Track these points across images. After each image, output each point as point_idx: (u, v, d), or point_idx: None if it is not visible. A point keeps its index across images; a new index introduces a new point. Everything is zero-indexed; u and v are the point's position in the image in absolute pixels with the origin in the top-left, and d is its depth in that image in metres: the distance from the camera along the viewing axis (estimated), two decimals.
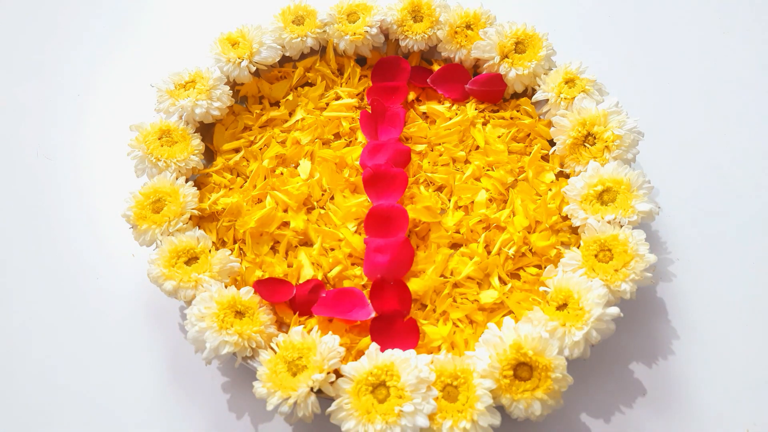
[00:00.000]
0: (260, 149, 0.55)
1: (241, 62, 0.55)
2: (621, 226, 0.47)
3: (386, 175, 0.52)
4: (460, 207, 0.52)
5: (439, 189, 0.53)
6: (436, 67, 0.58)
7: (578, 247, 0.47)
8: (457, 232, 0.51)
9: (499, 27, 0.56)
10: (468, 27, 0.57)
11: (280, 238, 0.51)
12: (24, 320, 0.53)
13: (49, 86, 0.66)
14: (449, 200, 0.53)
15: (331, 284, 0.49)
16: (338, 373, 0.42)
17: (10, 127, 0.64)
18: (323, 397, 0.41)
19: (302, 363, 0.42)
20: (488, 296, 0.48)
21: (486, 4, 0.58)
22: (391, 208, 0.50)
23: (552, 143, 0.55)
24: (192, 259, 0.47)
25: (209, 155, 0.55)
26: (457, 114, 0.56)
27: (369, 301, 0.47)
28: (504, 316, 0.47)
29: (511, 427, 0.44)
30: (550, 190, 0.52)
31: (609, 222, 0.47)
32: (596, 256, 0.46)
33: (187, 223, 0.49)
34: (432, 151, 0.55)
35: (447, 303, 0.48)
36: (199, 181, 0.54)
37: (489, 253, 0.50)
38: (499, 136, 0.55)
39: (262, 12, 0.59)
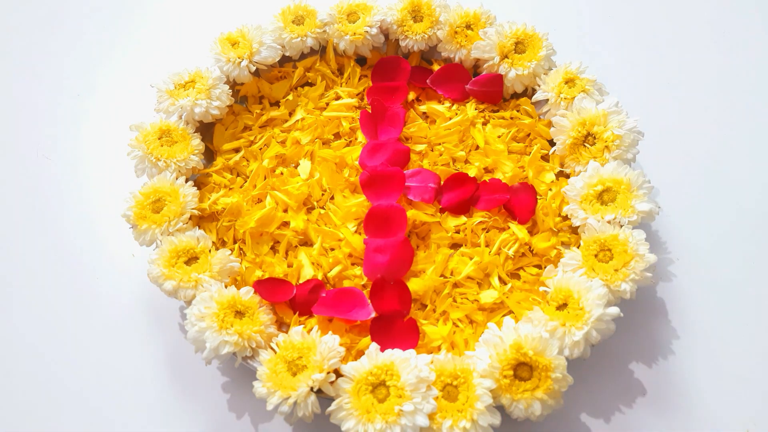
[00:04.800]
0: (260, 149, 0.55)
1: (241, 62, 0.55)
2: (621, 226, 0.47)
3: (383, 176, 0.52)
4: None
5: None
6: (436, 67, 0.58)
7: (578, 247, 0.47)
8: (457, 232, 0.51)
9: (499, 27, 0.56)
10: (468, 27, 0.57)
11: (280, 238, 0.51)
12: (24, 320, 0.53)
13: (49, 86, 0.66)
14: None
15: (331, 284, 0.49)
16: (338, 373, 0.42)
17: (10, 127, 0.64)
18: (323, 396, 0.41)
19: (302, 363, 0.42)
20: (488, 296, 0.48)
21: (486, 4, 0.58)
22: (390, 208, 0.50)
23: (552, 143, 0.55)
24: (192, 259, 0.47)
25: (209, 155, 0.55)
26: (457, 114, 0.56)
27: (369, 301, 0.47)
28: (504, 316, 0.47)
29: (511, 427, 0.44)
30: (550, 190, 0.52)
31: (609, 222, 0.47)
32: (596, 256, 0.46)
33: (187, 223, 0.49)
34: (432, 151, 0.55)
35: (447, 303, 0.48)
36: (199, 181, 0.54)
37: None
38: (499, 136, 0.55)
39: (262, 12, 0.59)
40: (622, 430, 0.47)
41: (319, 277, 0.49)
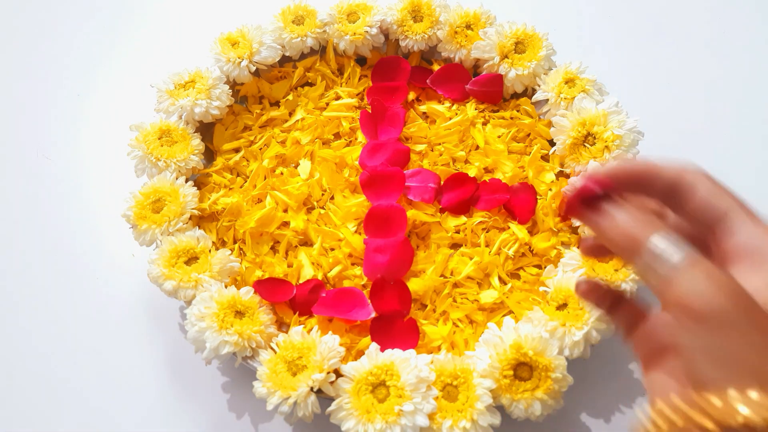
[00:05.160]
0: (260, 149, 0.55)
1: (241, 62, 0.55)
2: None
3: (383, 176, 0.52)
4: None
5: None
6: (436, 67, 0.58)
7: (578, 247, 0.47)
8: (457, 232, 0.51)
9: (499, 27, 0.56)
10: (468, 27, 0.57)
11: (280, 238, 0.51)
12: (24, 320, 0.53)
13: (49, 86, 0.66)
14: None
15: (331, 284, 0.49)
16: (338, 373, 0.42)
17: (10, 127, 0.64)
18: (323, 396, 0.41)
19: (302, 363, 0.42)
20: (488, 296, 0.48)
21: (486, 4, 0.58)
22: (390, 208, 0.50)
23: (552, 143, 0.55)
24: (192, 259, 0.47)
25: (209, 155, 0.55)
26: (457, 114, 0.56)
27: (369, 301, 0.47)
28: (504, 316, 0.47)
29: (511, 427, 0.44)
30: (550, 190, 0.52)
31: None
32: None
33: (187, 223, 0.49)
34: (432, 151, 0.55)
35: (447, 303, 0.48)
36: (199, 181, 0.54)
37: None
38: (499, 136, 0.55)
39: (262, 12, 0.59)
40: (622, 430, 0.47)
41: (319, 277, 0.49)
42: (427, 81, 0.58)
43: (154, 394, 0.49)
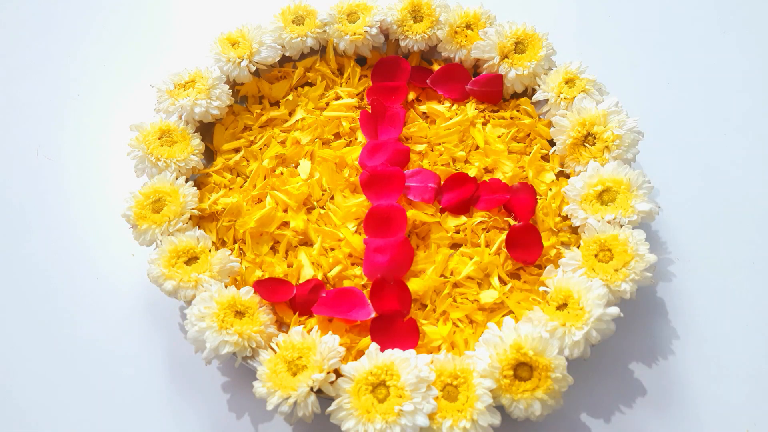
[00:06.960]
0: (260, 149, 0.55)
1: (241, 62, 0.55)
2: (621, 226, 0.47)
3: (383, 176, 0.52)
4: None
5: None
6: (436, 67, 0.58)
7: (578, 247, 0.47)
8: (457, 232, 0.51)
9: (499, 27, 0.56)
10: (468, 27, 0.57)
11: (280, 238, 0.51)
12: (23, 320, 0.53)
13: (49, 86, 0.66)
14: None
15: (331, 284, 0.49)
16: (338, 373, 0.42)
17: (10, 127, 0.64)
18: (323, 396, 0.41)
19: (302, 363, 0.42)
20: (488, 296, 0.48)
21: (486, 4, 0.58)
22: (390, 208, 0.50)
23: (552, 143, 0.55)
24: (192, 259, 0.47)
25: (209, 155, 0.55)
26: (457, 114, 0.56)
27: (369, 301, 0.47)
28: (504, 316, 0.47)
29: (511, 427, 0.44)
30: (550, 190, 0.52)
31: (609, 222, 0.47)
32: (596, 256, 0.46)
33: (187, 223, 0.49)
34: (432, 151, 0.55)
35: (447, 303, 0.48)
36: (199, 181, 0.54)
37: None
38: (499, 136, 0.55)
39: (262, 12, 0.59)
40: (622, 430, 0.47)
41: (319, 277, 0.49)
42: (427, 81, 0.58)
43: (154, 395, 0.49)
